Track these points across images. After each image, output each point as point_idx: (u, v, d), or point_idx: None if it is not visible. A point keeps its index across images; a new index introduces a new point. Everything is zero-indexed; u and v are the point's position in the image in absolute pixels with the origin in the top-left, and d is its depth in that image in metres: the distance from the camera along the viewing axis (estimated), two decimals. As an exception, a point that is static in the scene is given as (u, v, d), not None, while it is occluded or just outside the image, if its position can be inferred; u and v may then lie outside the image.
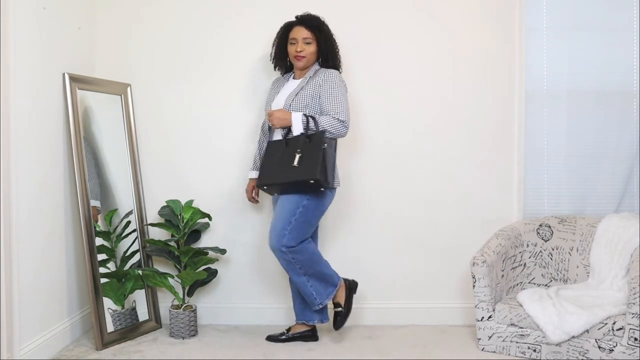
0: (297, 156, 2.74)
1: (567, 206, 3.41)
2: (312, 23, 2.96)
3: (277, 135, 2.95)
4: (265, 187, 2.86)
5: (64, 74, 2.96)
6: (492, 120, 3.37)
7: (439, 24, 3.35)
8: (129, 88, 3.32)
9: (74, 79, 3.01)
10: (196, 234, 3.30)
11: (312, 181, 2.71)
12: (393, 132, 3.31)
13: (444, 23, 3.35)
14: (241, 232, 3.38)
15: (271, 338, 3.10)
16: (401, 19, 3.34)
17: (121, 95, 3.28)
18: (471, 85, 3.36)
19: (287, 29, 3.01)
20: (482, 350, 2.96)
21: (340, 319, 2.94)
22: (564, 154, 3.40)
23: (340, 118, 2.83)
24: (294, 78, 3.06)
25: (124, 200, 3.24)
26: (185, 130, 3.37)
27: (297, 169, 2.73)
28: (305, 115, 2.84)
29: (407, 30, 3.35)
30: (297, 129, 2.82)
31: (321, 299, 2.90)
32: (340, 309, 2.94)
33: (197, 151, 3.37)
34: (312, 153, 2.73)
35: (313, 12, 3.04)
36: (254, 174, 3.11)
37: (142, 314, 3.24)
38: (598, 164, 3.41)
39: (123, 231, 3.20)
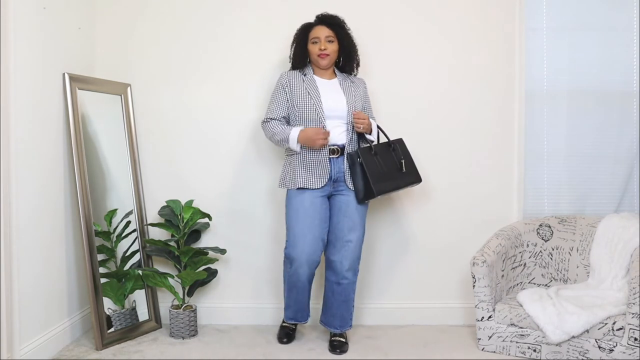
0: (403, 162, 2.97)
1: (567, 206, 3.41)
2: (333, 21, 2.98)
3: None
4: (378, 197, 2.89)
5: (64, 74, 2.96)
6: (492, 120, 3.37)
7: (438, 24, 3.35)
8: (129, 88, 3.32)
9: (74, 79, 3.01)
10: (196, 234, 3.29)
11: (415, 183, 3.00)
12: (392, 132, 3.30)
13: (443, 24, 3.35)
14: (241, 232, 3.38)
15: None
16: (401, 20, 3.35)
17: (121, 95, 3.28)
18: (471, 85, 3.36)
19: (306, 29, 3.00)
20: (482, 350, 2.96)
21: (339, 343, 2.99)
22: (564, 154, 3.41)
23: (379, 125, 3.09)
24: (317, 76, 3.01)
25: (124, 200, 3.24)
26: (185, 130, 3.36)
27: (405, 174, 2.96)
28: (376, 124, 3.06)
29: (407, 31, 3.35)
30: (374, 136, 3.01)
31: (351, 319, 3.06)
32: (341, 338, 3.02)
33: (197, 151, 3.37)
34: (408, 158, 3.00)
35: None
36: (298, 128, 2.86)
37: (142, 314, 3.24)
38: (598, 164, 3.41)
39: (123, 231, 3.20)
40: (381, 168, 2.89)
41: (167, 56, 3.35)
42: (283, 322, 3.16)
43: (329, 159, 2.89)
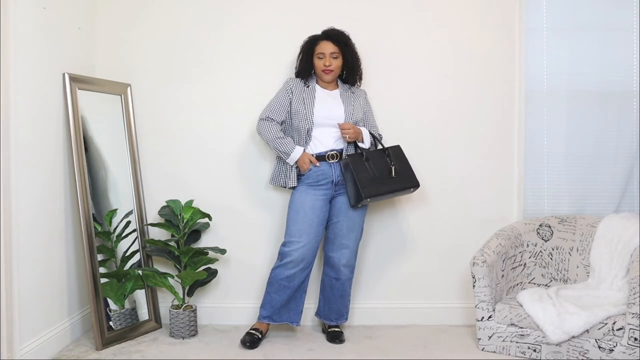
0: (393, 168, 2.99)
1: (567, 206, 3.41)
2: (339, 38, 3.06)
3: (321, 144, 3.02)
4: (368, 200, 2.94)
5: (64, 74, 2.96)
6: (492, 120, 3.37)
7: (439, 24, 3.35)
8: (129, 88, 3.32)
9: (74, 79, 3.00)
10: (196, 234, 3.29)
11: (412, 188, 3.02)
12: (392, 132, 3.30)
13: (444, 23, 3.35)
14: (241, 232, 3.37)
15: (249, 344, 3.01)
16: (401, 19, 3.34)
17: (121, 95, 3.28)
18: (471, 85, 3.36)
19: (312, 43, 3.07)
20: (482, 350, 2.96)
21: (336, 333, 3.12)
22: (564, 154, 3.41)
23: (381, 134, 3.20)
24: (320, 86, 3.11)
25: (124, 200, 3.24)
26: (185, 130, 3.36)
27: (395, 179, 2.98)
28: (369, 131, 3.10)
29: (407, 30, 3.35)
30: (367, 144, 3.07)
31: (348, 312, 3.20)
32: (337, 328, 3.15)
33: (197, 151, 3.37)
34: (403, 164, 3.04)
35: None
36: (301, 148, 3.00)
37: (142, 314, 3.24)
38: (598, 164, 3.41)
39: (123, 231, 3.20)
40: (372, 173, 2.96)
41: (167, 56, 3.35)
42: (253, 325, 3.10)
43: (330, 164, 3.03)
